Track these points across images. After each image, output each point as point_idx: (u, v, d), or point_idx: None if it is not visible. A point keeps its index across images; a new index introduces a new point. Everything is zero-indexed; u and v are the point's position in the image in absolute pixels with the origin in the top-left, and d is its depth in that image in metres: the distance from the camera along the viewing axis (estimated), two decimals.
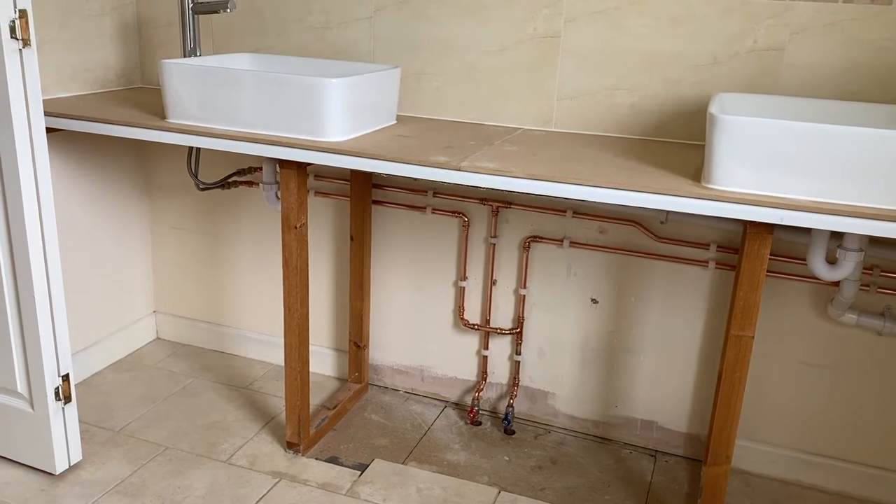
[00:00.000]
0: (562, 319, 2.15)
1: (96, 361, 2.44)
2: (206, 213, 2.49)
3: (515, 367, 2.23)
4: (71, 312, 2.30)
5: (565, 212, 2.04)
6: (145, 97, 2.23)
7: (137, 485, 1.90)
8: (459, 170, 1.60)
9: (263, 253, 2.46)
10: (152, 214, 2.57)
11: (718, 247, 1.93)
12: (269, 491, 1.90)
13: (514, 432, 2.21)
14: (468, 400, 2.33)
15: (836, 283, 1.85)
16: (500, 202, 2.10)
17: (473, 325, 2.23)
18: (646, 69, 1.89)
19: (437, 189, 2.16)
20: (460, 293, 2.22)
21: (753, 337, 1.56)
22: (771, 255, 1.88)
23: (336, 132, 1.75)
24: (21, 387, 1.86)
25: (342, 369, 2.47)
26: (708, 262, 1.95)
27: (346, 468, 2.00)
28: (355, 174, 2.13)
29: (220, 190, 2.38)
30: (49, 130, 1.96)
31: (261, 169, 2.34)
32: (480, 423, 2.25)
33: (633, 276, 2.04)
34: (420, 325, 2.32)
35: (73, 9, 2.17)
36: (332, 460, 2.03)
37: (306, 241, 1.90)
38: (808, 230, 1.71)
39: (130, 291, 2.55)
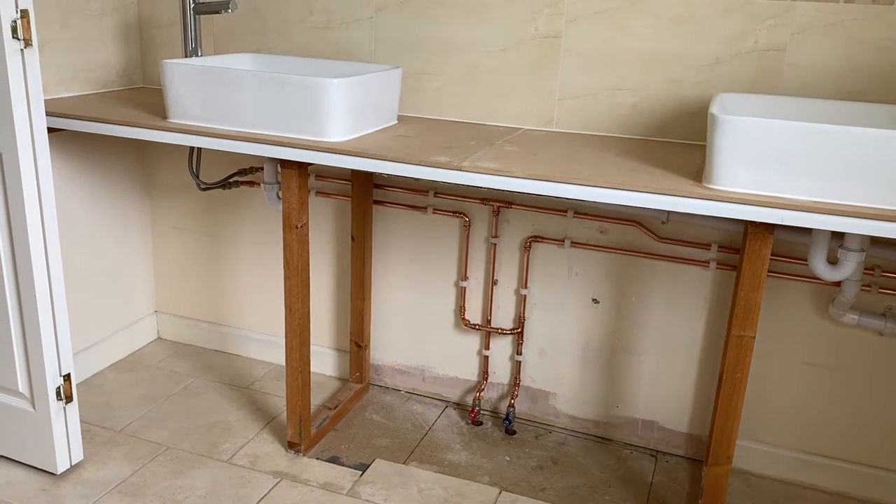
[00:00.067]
0: (563, 319, 2.15)
1: (97, 361, 2.44)
2: (207, 213, 2.49)
3: (516, 367, 2.23)
4: (72, 312, 2.30)
5: (566, 212, 2.04)
6: (147, 97, 2.23)
7: (138, 485, 1.90)
8: (460, 170, 1.60)
9: (264, 253, 2.46)
10: (153, 214, 2.57)
11: (719, 247, 1.93)
12: (270, 491, 1.90)
13: (515, 432, 2.21)
14: (469, 400, 2.33)
15: (838, 284, 1.85)
16: (500, 202, 2.10)
17: (474, 325, 2.23)
18: (647, 69, 1.89)
19: (438, 189, 2.17)
20: (461, 293, 2.22)
21: (754, 337, 1.56)
22: (772, 255, 1.88)
23: (337, 132, 1.75)
24: (22, 386, 1.86)
25: (343, 369, 2.47)
26: (709, 263, 1.95)
27: (347, 468, 2.00)
28: (356, 174, 2.13)
29: (221, 190, 2.38)
30: (50, 130, 1.97)
31: (262, 169, 2.34)
32: (481, 424, 2.25)
33: (634, 277, 2.04)
34: (421, 325, 2.32)
35: (74, 9, 2.17)
36: (333, 460, 2.03)
37: (307, 241, 1.90)
38: (809, 230, 1.71)
39: (131, 291, 2.55)
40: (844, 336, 1.90)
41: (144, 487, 1.89)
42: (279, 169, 2.03)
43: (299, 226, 1.85)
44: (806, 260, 1.83)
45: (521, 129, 2.02)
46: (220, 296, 2.57)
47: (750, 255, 1.50)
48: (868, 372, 1.90)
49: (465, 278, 2.20)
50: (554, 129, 2.01)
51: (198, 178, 2.28)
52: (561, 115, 2.00)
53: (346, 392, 2.32)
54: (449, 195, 2.15)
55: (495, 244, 2.15)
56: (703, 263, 1.96)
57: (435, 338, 2.31)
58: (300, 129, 1.75)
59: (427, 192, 2.18)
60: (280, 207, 2.13)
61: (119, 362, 2.51)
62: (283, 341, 2.52)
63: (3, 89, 1.61)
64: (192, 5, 2.07)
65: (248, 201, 2.42)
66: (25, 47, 1.61)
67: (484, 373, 2.27)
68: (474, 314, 2.25)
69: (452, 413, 2.30)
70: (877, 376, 1.90)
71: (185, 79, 1.83)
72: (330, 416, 2.18)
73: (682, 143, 1.90)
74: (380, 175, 2.20)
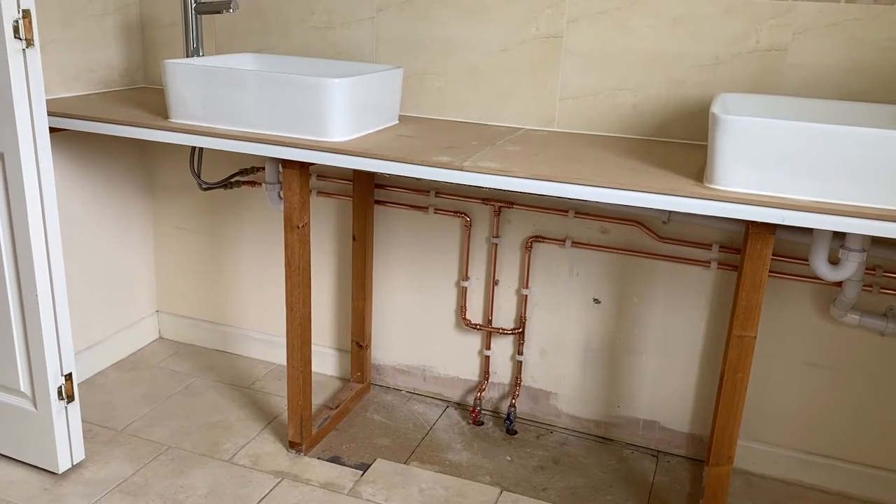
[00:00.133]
0: (564, 319, 2.15)
1: (99, 361, 2.44)
2: (208, 212, 2.49)
3: (517, 367, 2.23)
4: (74, 312, 2.31)
5: (567, 212, 2.04)
6: (148, 97, 2.23)
7: (140, 484, 1.90)
8: (462, 170, 1.60)
9: (266, 253, 2.46)
10: (155, 214, 2.57)
11: (721, 247, 1.93)
12: (271, 490, 1.90)
13: (516, 432, 2.21)
14: (470, 400, 2.33)
15: (839, 284, 1.85)
16: (502, 202, 2.10)
17: (475, 325, 2.23)
18: (648, 69, 1.89)
19: (440, 189, 2.17)
20: (462, 293, 2.23)
21: (756, 337, 1.56)
22: (773, 255, 1.88)
23: (338, 132, 1.75)
24: (24, 386, 1.86)
25: (344, 369, 2.47)
26: (710, 263, 1.95)
27: (348, 468, 2.00)
28: (358, 174, 2.13)
29: (222, 190, 2.38)
30: (52, 130, 1.97)
31: (263, 169, 2.34)
32: (482, 423, 2.25)
33: (635, 277, 2.04)
34: (422, 325, 2.32)
35: (76, 9, 2.17)
36: (335, 460, 2.04)
37: (308, 240, 1.90)
38: (810, 230, 1.71)
39: (133, 291, 2.55)
40: (845, 336, 1.90)
41: (146, 487, 1.89)
42: (280, 169, 2.03)
43: (301, 226, 1.86)
44: (807, 260, 1.83)
45: (522, 129, 2.02)
46: (221, 295, 2.57)
47: (751, 255, 1.50)
48: (869, 372, 1.90)
49: (467, 278, 2.20)
50: (555, 129, 2.01)
51: (199, 177, 2.28)
52: (562, 115, 2.00)
53: (348, 392, 2.32)
54: (450, 195, 2.15)
55: (496, 244, 2.15)
56: (705, 263, 1.96)
57: (436, 338, 2.31)
58: (302, 128, 1.76)
59: (428, 192, 2.18)
60: (281, 207, 2.13)
61: (120, 362, 2.52)
62: (284, 341, 2.52)
63: (5, 89, 1.61)
64: (193, 5, 2.07)
65: (250, 201, 2.43)
66: (27, 47, 1.61)
67: (485, 373, 2.27)
68: (475, 314, 2.25)
69: (453, 413, 2.30)
70: (878, 376, 1.90)
71: (186, 79, 1.83)
72: (331, 415, 2.18)
73: (683, 143, 1.90)
74: (381, 175, 2.20)
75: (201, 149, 2.33)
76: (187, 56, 2.12)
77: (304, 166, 1.81)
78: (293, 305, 1.92)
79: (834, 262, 1.69)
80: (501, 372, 2.27)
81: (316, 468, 2.00)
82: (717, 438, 1.65)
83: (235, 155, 2.37)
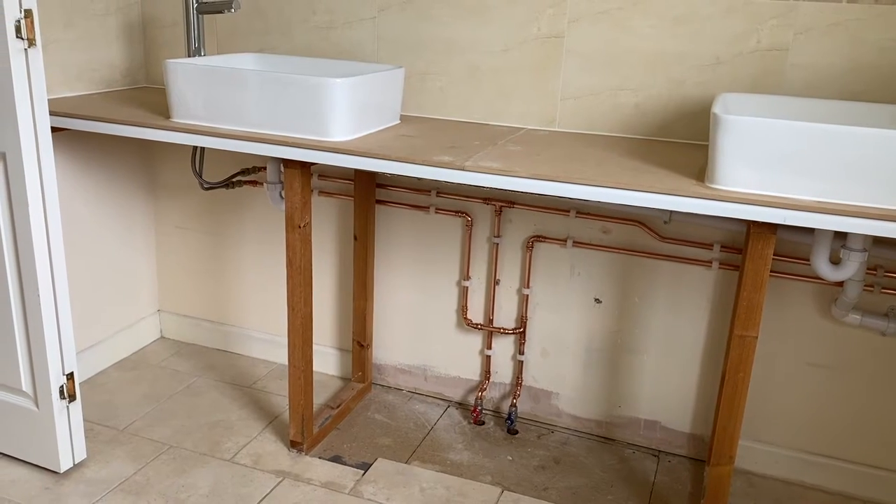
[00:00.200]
0: (565, 319, 2.15)
1: (100, 360, 2.45)
2: (210, 212, 2.50)
3: (518, 367, 2.23)
4: (75, 311, 2.31)
5: (569, 212, 2.04)
6: (150, 97, 2.23)
7: (141, 483, 1.90)
8: (463, 169, 1.60)
9: (267, 252, 2.46)
10: (157, 214, 2.57)
11: (722, 247, 1.93)
12: (272, 490, 1.90)
13: (517, 432, 2.21)
14: (471, 399, 2.33)
15: (840, 284, 1.85)
16: (503, 202, 2.10)
17: (477, 324, 2.23)
18: (649, 69, 1.89)
19: (441, 189, 2.17)
20: (463, 293, 2.23)
21: (757, 337, 1.56)
22: (774, 255, 1.88)
23: (340, 132, 1.75)
24: (26, 385, 1.87)
25: (346, 369, 2.47)
26: (711, 263, 1.95)
27: (349, 467, 2.01)
28: (359, 174, 2.13)
29: (224, 189, 2.38)
30: (54, 130, 1.97)
31: (265, 168, 2.35)
32: (483, 423, 2.25)
33: (636, 276, 2.04)
34: (423, 325, 2.32)
35: (78, 9, 2.17)
36: (336, 459, 2.04)
37: (310, 240, 1.91)
38: (811, 230, 1.71)
39: (135, 290, 2.55)
40: (847, 336, 1.90)
41: (147, 486, 1.89)
42: (282, 168, 2.03)
43: (302, 225, 1.86)
44: (808, 260, 1.83)
45: (523, 128, 2.02)
46: (222, 295, 2.57)
47: (752, 255, 1.50)
48: (870, 372, 1.90)
49: (468, 278, 2.21)
50: (557, 129, 2.01)
51: (201, 177, 2.29)
52: (564, 115, 2.00)
53: (349, 391, 2.32)
54: (451, 195, 2.16)
55: (497, 244, 2.15)
56: (706, 263, 1.96)
57: (437, 337, 2.32)
58: (303, 128, 1.76)
59: (429, 191, 2.18)
60: (283, 207, 2.13)
61: (122, 361, 2.52)
62: (285, 340, 2.52)
63: (7, 89, 1.62)
64: (195, 5, 2.08)
65: (251, 201, 2.43)
66: (29, 47, 1.62)
67: (486, 372, 2.27)
68: (476, 314, 2.25)
69: (454, 413, 2.30)
70: (879, 376, 1.90)
71: (188, 78, 1.83)
72: (332, 415, 2.19)
73: (684, 142, 1.90)
74: (382, 175, 2.20)
75: (203, 148, 2.33)
76: (189, 56, 2.13)
77: (305, 166, 1.81)
78: (294, 305, 1.92)
79: (835, 262, 1.69)
80: (502, 372, 2.27)
81: (317, 468, 2.00)
82: (718, 438, 1.65)
83: (237, 154, 2.37)
